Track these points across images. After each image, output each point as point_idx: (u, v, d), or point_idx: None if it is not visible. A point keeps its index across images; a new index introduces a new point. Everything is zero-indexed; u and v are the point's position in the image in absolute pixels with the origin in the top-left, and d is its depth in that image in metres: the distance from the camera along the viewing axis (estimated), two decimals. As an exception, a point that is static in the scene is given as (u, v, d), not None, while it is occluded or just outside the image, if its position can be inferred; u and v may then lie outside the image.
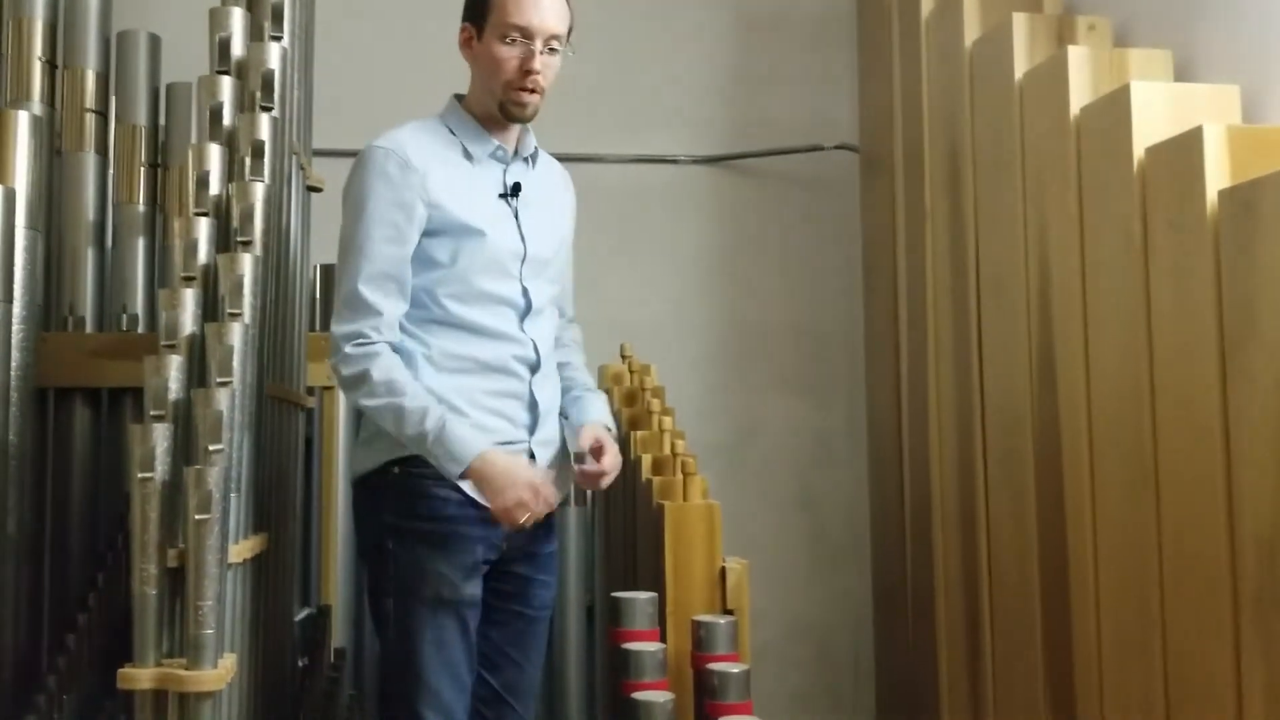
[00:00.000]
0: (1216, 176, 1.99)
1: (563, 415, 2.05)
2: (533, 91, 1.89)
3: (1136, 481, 2.18)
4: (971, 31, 2.86)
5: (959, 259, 2.91)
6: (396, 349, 1.84)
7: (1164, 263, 2.11)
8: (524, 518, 1.80)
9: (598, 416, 2.02)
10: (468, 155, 1.93)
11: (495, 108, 1.92)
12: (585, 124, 3.60)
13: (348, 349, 1.82)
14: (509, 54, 1.87)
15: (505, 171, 1.96)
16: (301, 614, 2.73)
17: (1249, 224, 1.89)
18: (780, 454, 3.75)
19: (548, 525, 2.01)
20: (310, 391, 2.77)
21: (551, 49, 1.90)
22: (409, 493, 1.84)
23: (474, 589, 1.87)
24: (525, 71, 1.87)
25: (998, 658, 2.72)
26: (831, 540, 3.73)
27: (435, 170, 1.87)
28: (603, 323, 3.44)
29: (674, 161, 3.78)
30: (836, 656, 3.70)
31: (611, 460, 1.96)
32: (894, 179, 3.36)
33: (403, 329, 1.86)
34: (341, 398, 2.82)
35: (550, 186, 2.05)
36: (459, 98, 1.99)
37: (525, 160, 2.00)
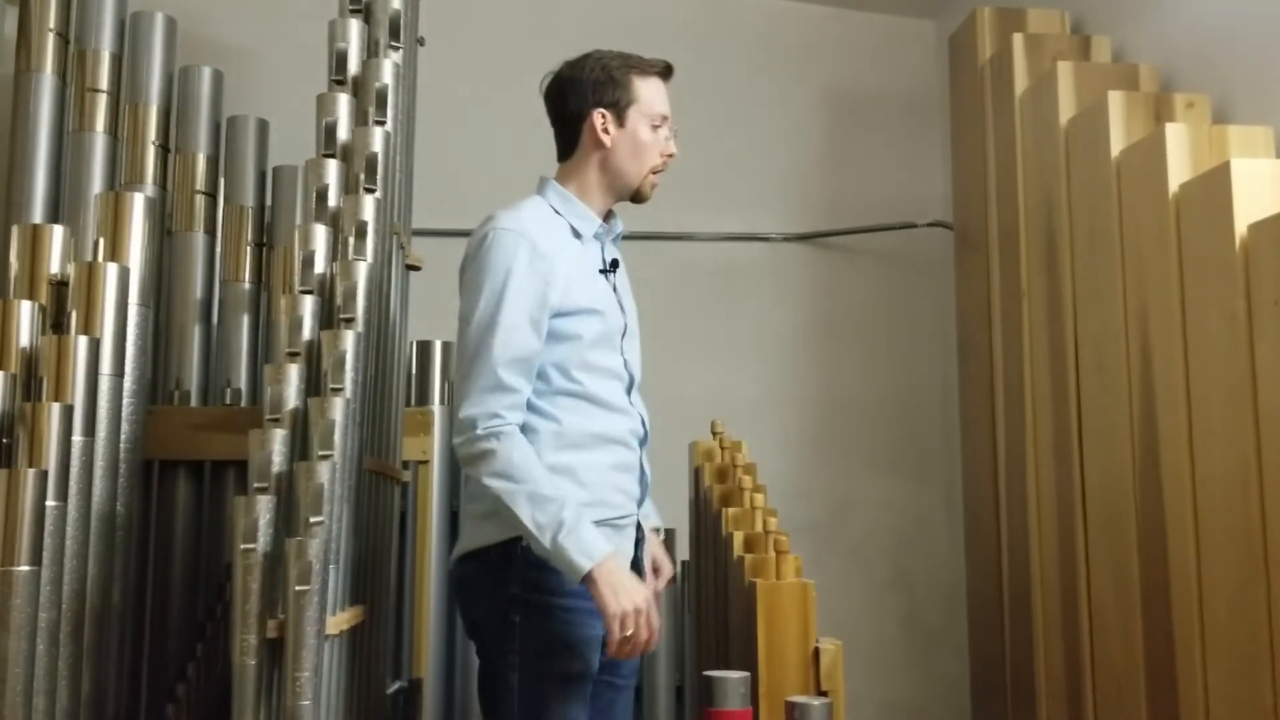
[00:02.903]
0: (1325, 253, 1.94)
1: None
2: (661, 173, 2.02)
3: (1245, 569, 2.10)
4: (1067, 109, 2.84)
5: (1057, 337, 2.87)
6: (523, 427, 1.85)
7: (1269, 341, 2.06)
8: (632, 630, 1.76)
9: (655, 521, 2.12)
10: (576, 234, 1.98)
11: (627, 191, 2.00)
12: (678, 202, 3.64)
13: (481, 429, 1.81)
14: (655, 140, 1.99)
15: (603, 249, 2.01)
16: (394, 687, 2.75)
17: (1362, 301, 1.84)
18: (873, 533, 3.69)
19: None
20: (405, 465, 2.81)
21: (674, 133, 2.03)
22: (538, 566, 1.82)
23: (597, 663, 1.87)
24: (667, 156, 2.01)
25: (1103, 750, 2.61)
26: (927, 622, 3.65)
27: (559, 254, 1.91)
28: (695, 399, 3.46)
29: (766, 239, 3.80)
30: (935, 743, 3.59)
31: (666, 574, 2.12)
32: (989, 256, 3.33)
33: (529, 405, 1.88)
34: (436, 473, 2.85)
35: (621, 257, 2.10)
36: (547, 179, 2.04)
37: (615, 237, 2.05)
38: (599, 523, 1.85)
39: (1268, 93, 2.49)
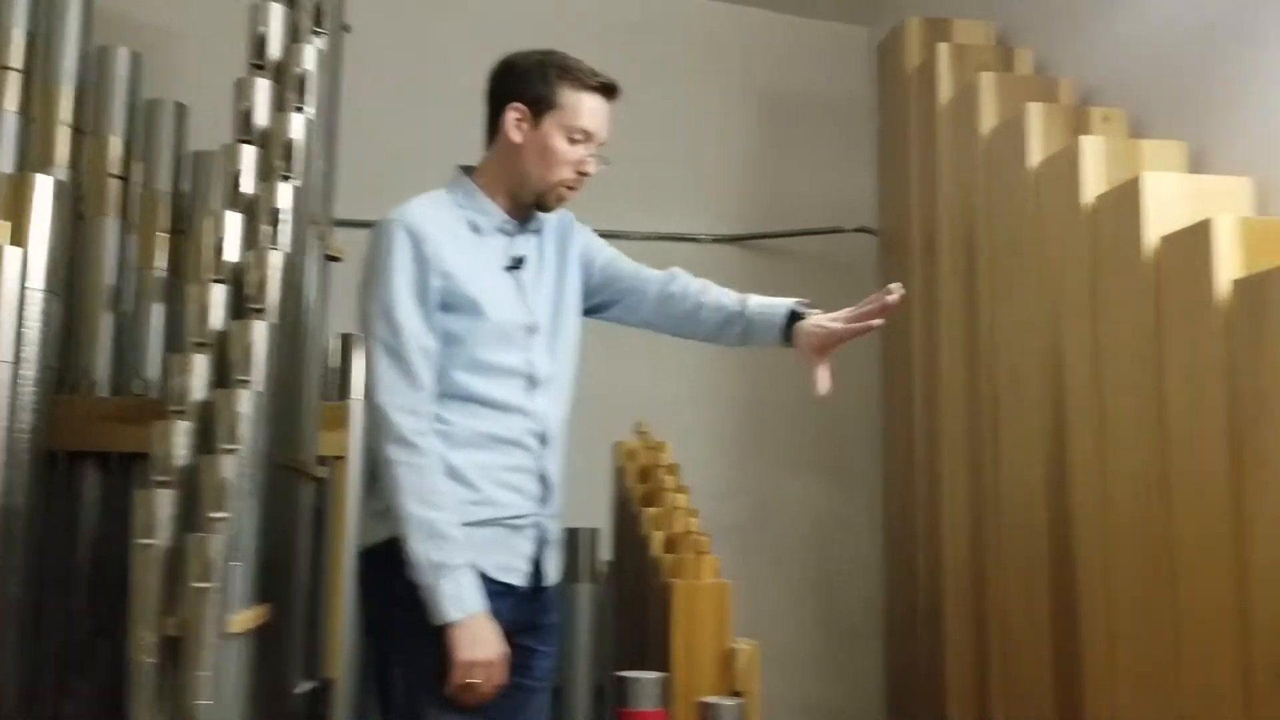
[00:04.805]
0: (1228, 267, 1.99)
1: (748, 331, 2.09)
2: (573, 189, 1.95)
3: (1151, 571, 2.14)
4: (988, 119, 2.88)
5: (973, 345, 2.91)
6: None
7: (1176, 352, 2.10)
8: (477, 681, 1.76)
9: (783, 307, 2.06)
10: (475, 228, 1.94)
11: (530, 195, 1.95)
12: (608, 200, 3.61)
13: (396, 431, 1.80)
14: (570, 153, 1.92)
15: (511, 243, 1.97)
16: (304, 688, 2.70)
17: (1260, 314, 1.89)
18: (796, 535, 3.71)
19: (550, 595, 2.00)
20: (321, 461, 2.77)
21: (600, 156, 1.96)
22: None
23: None
24: (580, 173, 1.93)
25: (1011, 751, 2.65)
26: (846, 624, 3.68)
27: (446, 246, 1.89)
28: (619, 399, 3.45)
29: (696, 240, 3.81)
30: (850, 744, 3.62)
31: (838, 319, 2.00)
32: (911, 263, 3.37)
33: None
34: (354, 469, 2.81)
35: (555, 248, 2.05)
36: (466, 170, 2.00)
37: (531, 232, 2.01)
38: (489, 521, 1.84)
39: (1182, 109, 2.54)
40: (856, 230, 3.80)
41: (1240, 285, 1.95)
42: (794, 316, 2.05)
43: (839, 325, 1.98)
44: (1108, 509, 2.29)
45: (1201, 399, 2.02)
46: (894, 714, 3.48)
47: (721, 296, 2.13)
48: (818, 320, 2.01)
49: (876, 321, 1.98)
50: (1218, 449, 1.97)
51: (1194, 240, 2.06)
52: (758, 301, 2.10)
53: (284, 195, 2.14)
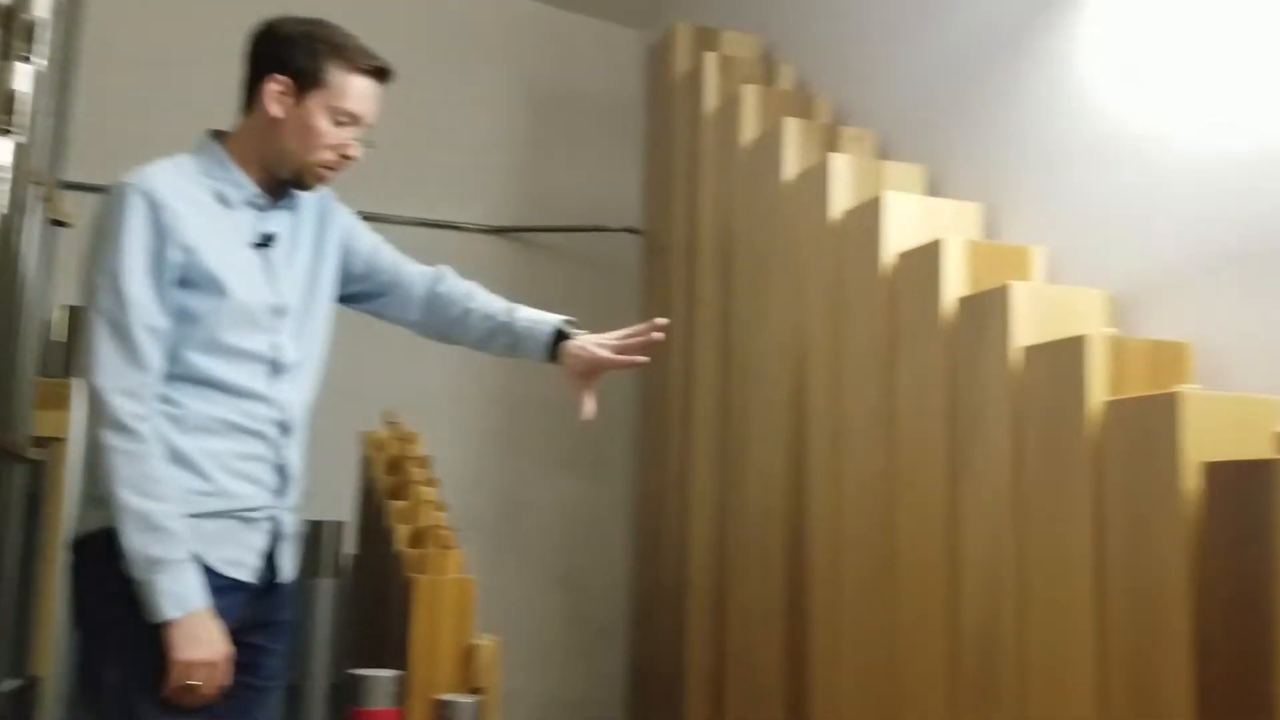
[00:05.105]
0: (955, 286, 2.11)
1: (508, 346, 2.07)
2: (333, 170, 1.86)
3: (876, 575, 2.25)
4: (749, 131, 2.97)
5: (725, 351, 2.99)
6: None
7: (906, 363, 2.22)
8: (198, 683, 1.68)
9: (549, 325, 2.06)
10: (222, 200, 1.83)
11: (287, 172, 1.85)
12: (370, 183, 3.51)
13: (115, 414, 1.67)
14: (333, 134, 1.83)
15: (261, 219, 1.87)
16: (9, 685, 2.49)
17: (980, 333, 2.02)
18: (549, 531, 3.72)
19: (284, 591, 1.91)
20: (39, 442, 2.56)
21: (366, 139, 1.88)
22: None
23: None
24: (343, 156, 1.85)
25: (742, 744, 2.74)
26: (593, 620, 3.71)
27: (187, 216, 1.77)
28: (369, 387, 3.36)
29: (461, 229, 3.75)
30: (591, 738, 3.66)
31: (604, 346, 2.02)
32: (673, 266, 3.43)
33: None
34: (73, 452, 2.61)
35: (311, 227, 1.96)
36: (215, 135, 1.89)
37: (285, 208, 1.92)
38: (219, 513, 1.74)
39: (924, 135, 2.69)
40: (622, 230, 3.84)
41: (964, 303, 2.08)
42: (560, 334, 2.05)
43: (605, 355, 2.02)
44: (840, 511, 2.40)
45: (926, 410, 2.15)
46: (634, 708, 3.54)
47: (489, 304, 2.10)
48: (583, 344, 2.03)
49: (642, 359, 2.05)
50: (938, 457, 2.09)
51: (926, 259, 2.18)
52: (526, 315, 2.08)
53: (3, 150, 1.97)
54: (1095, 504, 1.73)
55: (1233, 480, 1.51)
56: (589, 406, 2.04)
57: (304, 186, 1.88)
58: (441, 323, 2.12)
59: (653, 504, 3.48)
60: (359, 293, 2.06)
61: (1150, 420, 1.64)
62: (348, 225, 2.03)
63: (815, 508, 2.48)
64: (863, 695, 2.26)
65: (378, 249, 2.07)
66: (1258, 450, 1.53)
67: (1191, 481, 1.57)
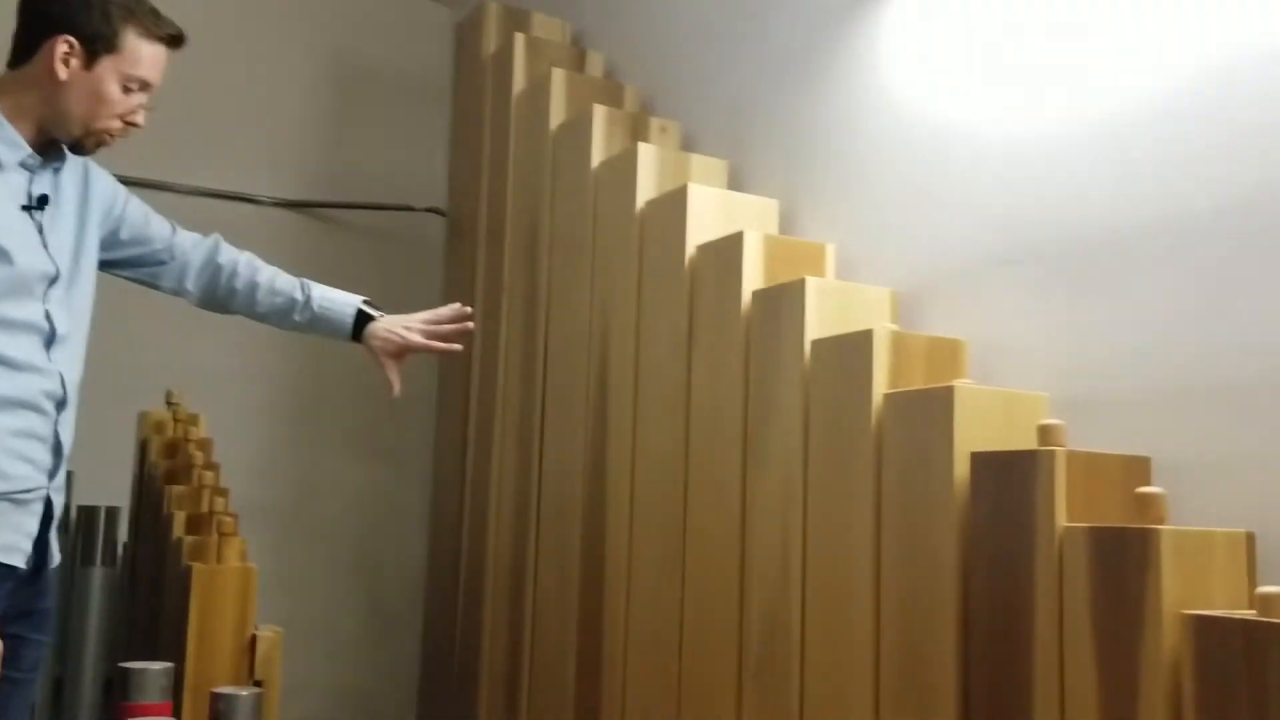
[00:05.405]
0: (752, 279, 2.16)
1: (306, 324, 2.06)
2: (115, 138, 1.80)
3: (668, 558, 2.28)
4: (557, 115, 2.95)
5: (530, 335, 2.97)
6: None
7: (704, 354, 2.26)
8: None
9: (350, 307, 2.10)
10: None
11: (66, 135, 1.76)
12: (158, 149, 3.35)
13: None
14: (122, 101, 1.76)
15: (32, 181, 1.75)
16: None
17: (773, 324, 2.06)
18: (343, 518, 3.61)
19: (48, 578, 1.81)
20: None
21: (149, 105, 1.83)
22: None
23: None
24: (128, 123, 1.79)
25: (534, 730, 2.74)
26: (388, 608, 3.63)
27: None
28: (149, 365, 3.19)
29: (255, 201, 3.60)
30: (382, 728, 3.59)
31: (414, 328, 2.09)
32: (477, 249, 3.39)
33: None
34: None
35: (75, 189, 1.85)
36: None
37: (53, 169, 1.80)
38: None
39: (727, 130, 2.74)
40: (427, 210, 3.77)
41: (758, 296, 2.13)
42: (362, 314, 2.07)
43: (417, 339, 2.09)
44: (637, 497, 2.42)
45: (721, 399, 2.19)
46: (426, 696, 3.49)
47: (277, 279, 2.06)
48: (391, 327, 2.07)
49: (457, 347, 2.14)
50: (732, 445, 2.14)
51: (725, 251, 2.22)
52: (322, 294, 2.08)
53: None
54: (875, 491, 1.80)
55: (997, 469, 1.60)
56: (397, 384, 2.11)
57: (82, 151, 1.80)
58: (224, 295, 2.08)
59: (450, 490, 3.43)
60: (126, 259, 1.98)
61: (926, 412, 1.72)
62: (110, 189, 1.94)
63: (613, 493, 2.49)
64: (652, 675, 2.29)
65: (147, 216, 2.00)
66: (1024, 442, 1.62)
67: (962, 470, 1.65)
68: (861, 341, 1.86)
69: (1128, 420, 1.70)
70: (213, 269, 2.05)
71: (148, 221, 1.99)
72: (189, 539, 2.34)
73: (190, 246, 2.04)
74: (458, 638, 3.21)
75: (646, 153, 2.55)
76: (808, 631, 1.91)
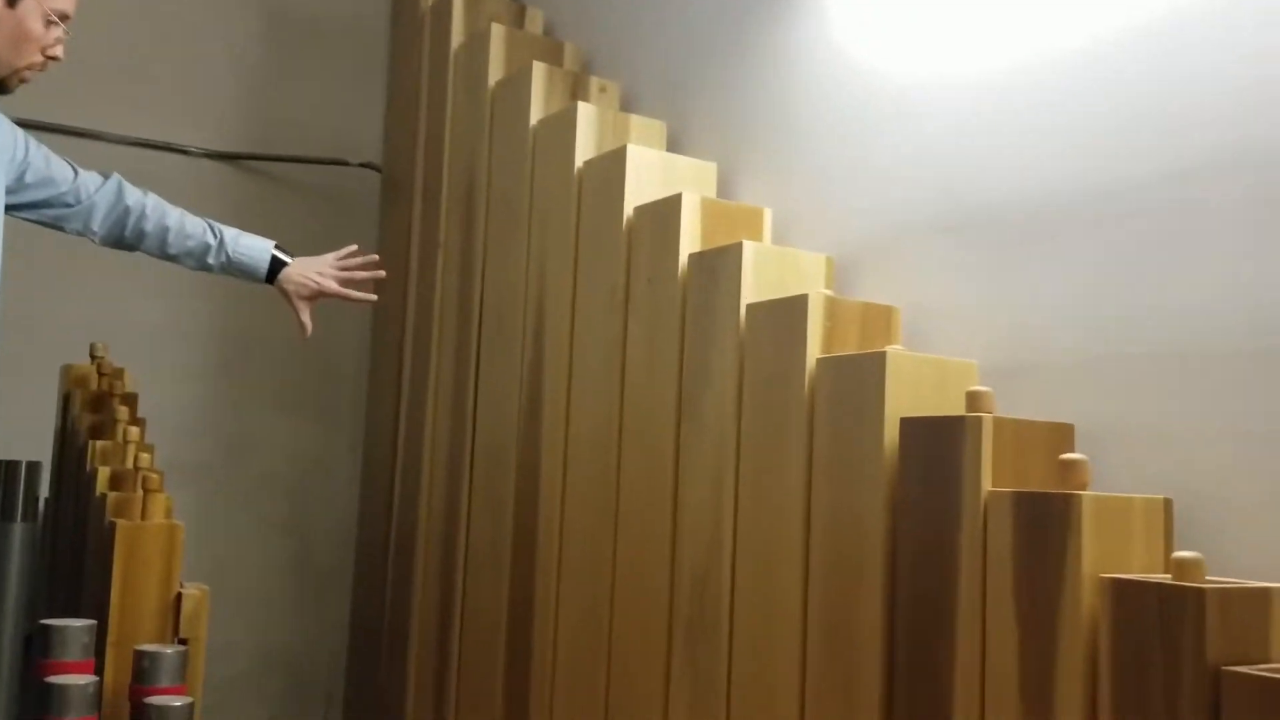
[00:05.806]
0: (689, 241, 2.15)
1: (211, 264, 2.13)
2: (38, 72, 1.81)
3: (600, 517, 2.29)
4: (496, 72, 2.91)
5: (465, 292, 2.94)
6: None
7: (640, 315, 2.25)
8: None
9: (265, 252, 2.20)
10: None
11: None
12: (84, 97, 3.25)
13: None
14: (44, 36, 1.78)
15: None
16: None
17: (710, 287, 2.07)
18: (272, 475, 3.57)
19: None
20: None
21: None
22: None
23: None
24: (49, 57, 1.82)
25: (463, 691, 2.74)
26: (317, 567, 3.60)
27: None
28: (74, 319, 3.12)
29: (184, 152, 3.51)
30: (311, 688, 3.56)
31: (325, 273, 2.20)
32: (412, 205, 3.34)
33: None
34: None
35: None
36: None
37: None
38: None
39: (666, 92, 2.72)
40: (361, 165, 3.70)
41: (694, 259, 2.12)
42: (276, 259, 2.15)
43: (330, 284, 2.18)
44: (571, 457, 2.42)
45: (657, 360, 2.19)
46: (355, 655, 3.47)
47: (186, 221, 2.08)
48: (305, 272, 2.14)
49: (371, 296, 2.26)
50: (666, 407, 2.14)
51: (663, 213, 2.21)
52: (234, 236, 2.13)
53: None
54: (807, 454, 1.81)
55: (926, 434, 1.62)
56: (309, 326, 2.20)
57: (5, 91, 1.80)
58: (133, 237, 2.12)
59: (383, 448, 3.40)
60: (31, 202, 1.99)
61: (858, 377, 1.73)
62: (10, 132, 1.93)
63: (547, 453, 2.49)
64: (583, 633, 2.30)
65: (48, 158, 1.99)
66: (954, 408, 1.64)
67: (892, 435, 1.67)
68: (796, 306, 1.87)
69: (1054, 388, 1.74)
70: (120, 210, 2.07)
71: (49, 164, 1.99)
72: (113, 495, 2.29)
73: (94, 189, 2.06)
74: (388, 596, 3.20)
75: (586, 112, 2.53)
76: (737, 591, 1.93)
